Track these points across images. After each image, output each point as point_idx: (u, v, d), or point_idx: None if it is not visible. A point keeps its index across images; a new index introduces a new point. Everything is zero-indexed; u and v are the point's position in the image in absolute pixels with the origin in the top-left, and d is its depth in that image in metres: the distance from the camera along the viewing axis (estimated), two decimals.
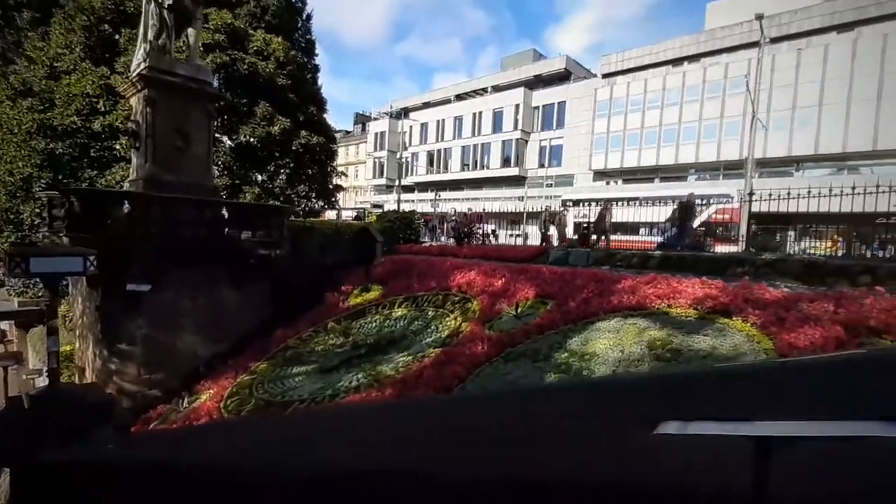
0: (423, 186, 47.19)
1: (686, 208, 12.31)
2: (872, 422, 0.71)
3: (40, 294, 15.24)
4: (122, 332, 8.96)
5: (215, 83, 14.16)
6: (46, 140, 15.00)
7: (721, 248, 15.63)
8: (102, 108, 15.03)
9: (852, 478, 0.68)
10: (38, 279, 6.72)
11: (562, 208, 26.13)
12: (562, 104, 39.15)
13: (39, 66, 16.01)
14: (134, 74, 10.58)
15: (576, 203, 33.54)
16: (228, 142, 17.37)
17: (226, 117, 16.94)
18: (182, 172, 10.63)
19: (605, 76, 37.51)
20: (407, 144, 44.46)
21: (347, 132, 58.25)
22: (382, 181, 50.64)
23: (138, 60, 10.67)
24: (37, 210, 14.46)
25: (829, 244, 16.95)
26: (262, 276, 11.39)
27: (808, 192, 11.24)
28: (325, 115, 19.90)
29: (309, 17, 21.01)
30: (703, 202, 25.57)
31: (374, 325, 11.02)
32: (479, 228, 18.60)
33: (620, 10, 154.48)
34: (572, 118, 38.12)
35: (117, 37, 16.28)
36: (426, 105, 49.45)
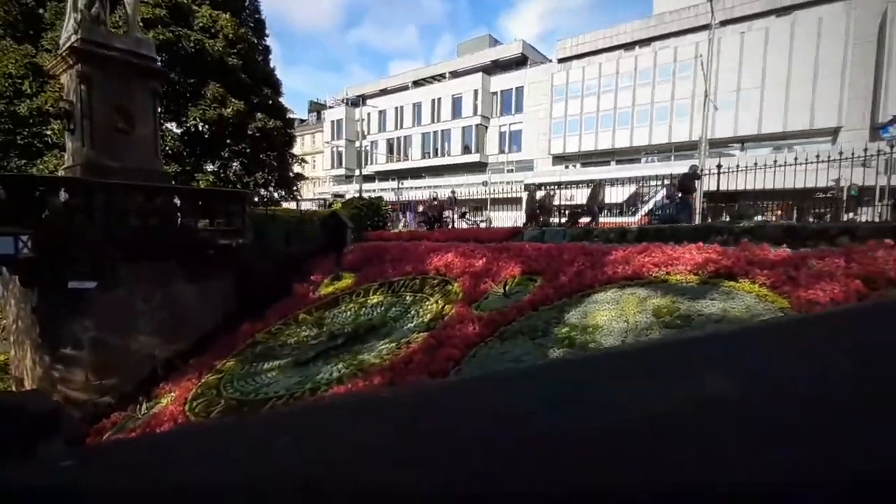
0: (384, 175, 46.21)
1: (690, 179, 11.89)
2: None
3: None
4: (65, 336, 7.97)
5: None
6: None
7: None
8: (28, 91, 13.36)
9: None
10: None
11: (542, 190, 26.21)
12: (520, 89, 39.26)
13: None
14: (64, 48, 9.36)
15: (537, 187, 33.88)
16: (176, 128, 15.98)
17: (172, 101, 15.55)
18: (126, 157, 9.57)
19: (560, 61, 37.87)
20: (365, 133, 43.25)
21: (302, 121, 55.99)
22: (342, 171, 49.12)
23: (68, 33, 9.45)
24: None
25: (774, 218, 18.12)
26: (223, 269, 10.54)
27: (756, 165, 11.84)
28: (280, 99, 18.77)
29: None
30: (660, 182, 26.41)
31: (349, 314, 10.49)
32: (453, 212, 18.15)
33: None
34: (531, 103, 38.34)
35: (42, 11, 14.48)
36: (383, 92, 48.25)
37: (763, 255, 4.95)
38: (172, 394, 8.78)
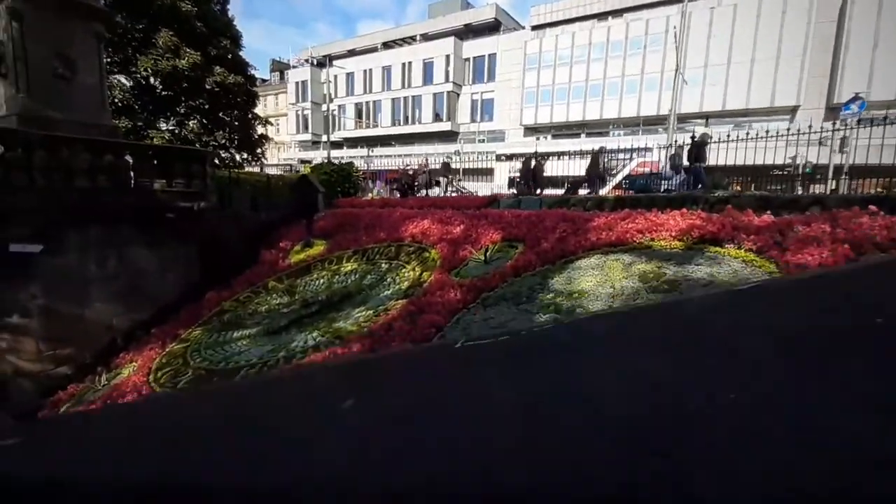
0: (353, 142, 44.71)
1: (700, 147, 11.32)
2: None
3: None
4: (9, 303, 7.30)
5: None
6: None
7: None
8: None
9: None
10: None
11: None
12: (492, 56, 38.39)
13: None
14: None
15: (509, 157, 33.82)
16: (125, 80, 14.58)
17: (119, 49, 14.10)
18: (69, 108, 8.65)
19: (534, 28, 37.17)
20: (332, 96, 41.39)
21: (264, 80, 52.85)
22: (308, 136, 47.07)
23: None
24: None
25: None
26: (184, 234, 9.90)
27: (719, 139, 12.13)
28: (240, 53, 17.42)
29: None
30: (627, 156, 26.92)
31: (322, 281, 10.18)
32: (447, 180, 17.48)
33: None
34: (503, 71, 37.65)
35: None
36: (351, 53, 46.05)
37: (748, 221, 5.04)
38: (134, 364, 8.32)
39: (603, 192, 21.19)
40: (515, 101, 36.86)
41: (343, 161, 20.57)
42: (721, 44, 28.58)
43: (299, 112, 47.21)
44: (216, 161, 16.32)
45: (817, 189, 17.77)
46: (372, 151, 34.72)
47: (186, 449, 1.02)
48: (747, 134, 13.59)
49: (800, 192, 16.28)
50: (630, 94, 32.24)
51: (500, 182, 30.47)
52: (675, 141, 12.58)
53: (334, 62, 40.08)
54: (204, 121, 16.03)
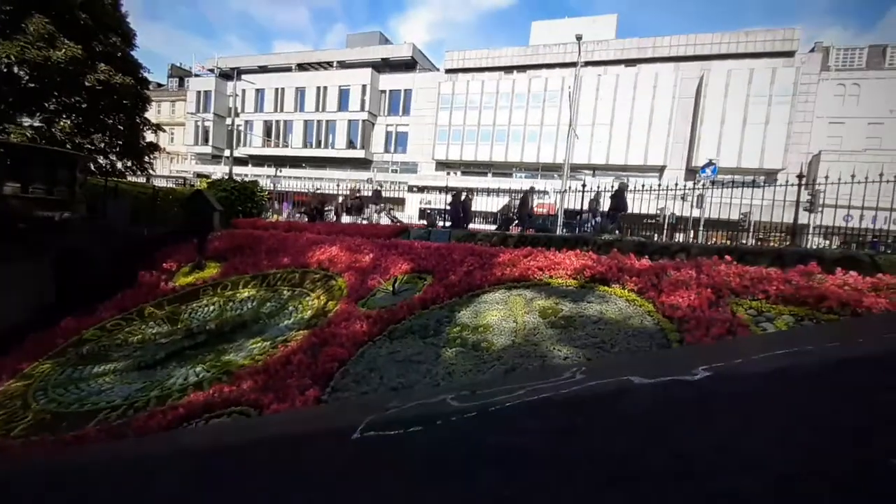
0: (259, 160, 42.32)
1: (620, 197, 12.22)
2: None
3: None
4: None
5: None
6: None
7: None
8: None
9: None
10: None
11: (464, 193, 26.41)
12: (408, 92, 39.59)
13: None
14: None
15: (420, 189, 34.58)
16: None
17: None
18: None
19: (447, 71, 39.22)
20: (239, 110, 39.07)
21: (160, 85, 48.19)
22: (208, 149, 43.48)
23: None
24: None
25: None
26: (40, 248, 8.41)
27: (604, 189, 13.71)
28: (132, 53, 15.73)
29: None
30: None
31: (212, 308, 9.25)
32: (378, 207, 16.94)
33: (456, 13, 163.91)
34: (418, 107, 38.92)
35: None
36: (263, 69, 44.22)
37: (630, 264, 5.70)
38: None
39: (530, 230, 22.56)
40: (429, 137, 38.11)
41: (246, 179, 19.27)
42: (606, 106, 32.72)
43: (199, 123, 43.67)
44: (91, 167, 14.28)
45: (680, 237, 20.78)
46: (280, 171, 33.15)
47: None
48: (630, 188, 15.60)
49: (665, 240, 18.82)
50: (531, 141, 35.20)
51: (410, 212, 30.88)
52: (595, 188, 13.37)
53: (243, 76, 38.11)
54: (80, 120, 13.98)
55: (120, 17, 15.63)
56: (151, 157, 16.61)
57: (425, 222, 18.01)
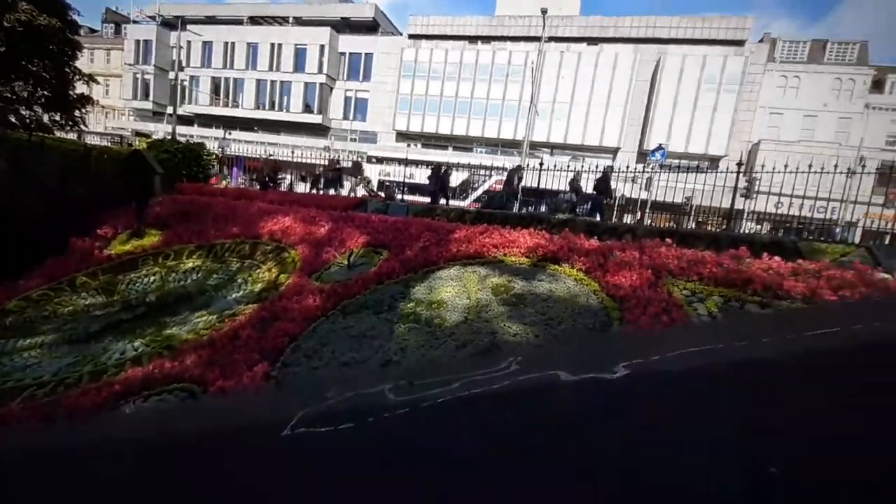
0: (206, 120, 39.53)
1: (605, 181, 12.09)
2: None
3: None
4: None
5: None
6: None
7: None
8: None
9: None
10: None
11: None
12: (369, 56, 37.98)
13: None
14: None
15: (379, 160, 33.81)
16: None
17: None
18: None
19: (411, 37, 37.90)
20: (184, 64, 36.07)
21: (93, 31, 43.42)
22: (148, 105, 40.04)
23: None
24: None
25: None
26: None
27: (559, 168, 13.96)
28: None
29: None
30: (487, 173, 29.32)
31: (153, 279, 8.79)
32: (357, 181, 16.03)
33: None
34: (379, 73, 37.52)
35: None
36: (210, 20, 40.80)
37: (580, 244, 5.91)
38: None
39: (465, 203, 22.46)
40: (389, 106, 37.01)
41: (192, 140, 17.98)
42: (567, 84, 32.93)
43: (138, 76, 40.00)
44: (11, 119, 12.80)
45: (628, 219, 21.68)
46: (229, 134, 31.27)
47: None
48: (582, 166, 15.95)
49: (614, 220, 19.55)
50: (492, 116, 35.02)
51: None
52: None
53: (189, 27, 35.09)
54: None
55: None
56: (83, 110, 15.06)
57: (383, 195, 17.66)
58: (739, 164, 11.31)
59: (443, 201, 13.47)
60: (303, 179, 15.66)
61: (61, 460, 1.01)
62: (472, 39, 36.97)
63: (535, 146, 32.72)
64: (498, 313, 4.85)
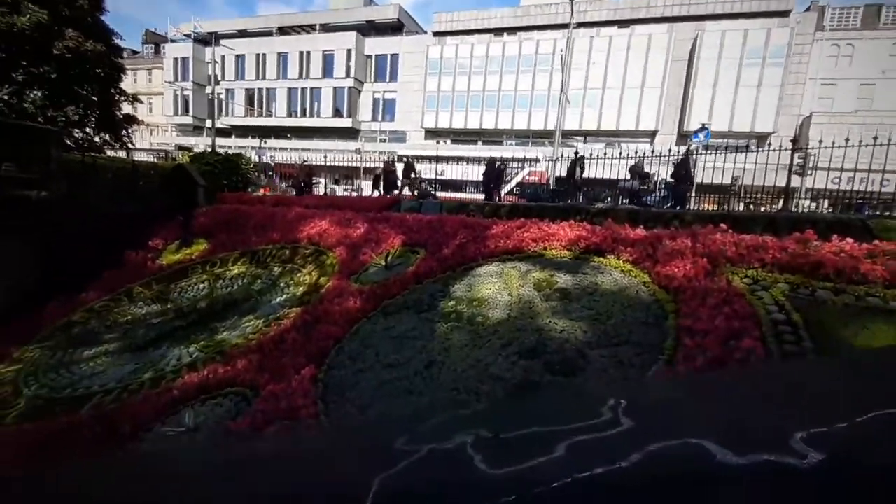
0: (243, 131, 41.01)
1: (684, 166, 10.85)
2: None
3: None
4: None
5: None
6: None
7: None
8: None
9: None
10: None
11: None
12: (395, 56, 38.20)
13: None
14: None
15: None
16: None
17: None
18: None
19: (436, 34, 37.79)
20: (219, 78, 37.52)
21: (135, 52, 45.93)
22: (189, 119, 42.00)
23: None
24: None
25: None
26: (17, 230, 8.13)
27: (595, 156, 13.34)
28: (101, 17, 14.80)
29: None
30: (520, 165, 28.87)
31: (202, 286, 9.13)
32: (407, 181, 15.85)
33: None
34: (405, 73, 37.67)
35: None
36: (242, 34, 42.23)
37: (625, 234, 5.65)
38: None
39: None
40: (417, 104, 37.10)
41: (230, 151, 18.66)
42: (598, 70, 31.90)
43: (178, 92, 41.97)
44: (67, 142, 13.69)
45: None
46: (265, 142, 32.26)
47: None
48: (619, 153, 15.34)
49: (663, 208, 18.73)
50: (522, 108, 34.42)
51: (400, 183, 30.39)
52: (636, 152, 12.23)
53: (222, 42, 36.45)
54: (49, 92, 13.26)
55: None
56: (130, 129, 15.94)
57: (416, 193, 17.57)
58: (794, 140, 10.56)
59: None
60: (336, 182, 15.87)
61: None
62: (498, 32, 36.46)
63: (567, 135, 31.94)
64: (542, 309, 4.70)
